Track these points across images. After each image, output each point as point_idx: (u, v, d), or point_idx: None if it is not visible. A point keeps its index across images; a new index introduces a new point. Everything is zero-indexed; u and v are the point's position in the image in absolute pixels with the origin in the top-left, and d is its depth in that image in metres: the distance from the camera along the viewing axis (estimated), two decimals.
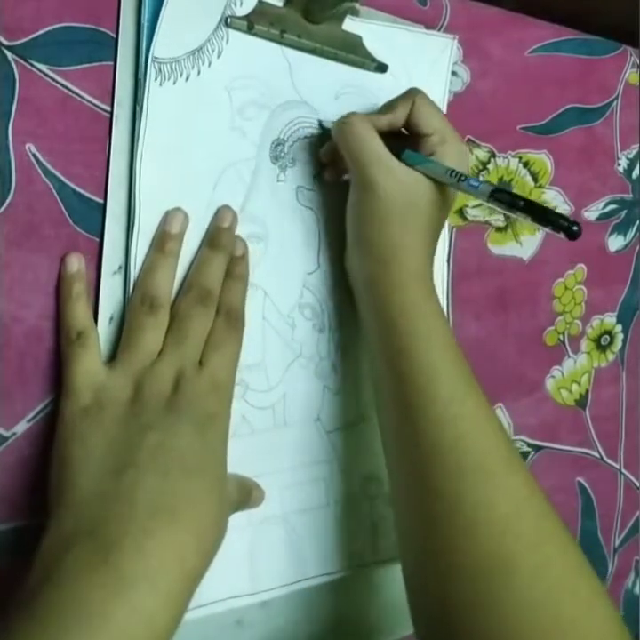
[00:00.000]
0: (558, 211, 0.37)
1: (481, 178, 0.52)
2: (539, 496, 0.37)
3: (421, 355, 0.39)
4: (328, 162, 0.44)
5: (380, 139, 0.40)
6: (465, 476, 0.36)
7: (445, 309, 0.50)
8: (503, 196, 0.38)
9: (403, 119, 0.41)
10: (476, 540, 0.35)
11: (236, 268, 0.40)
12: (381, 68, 0.46)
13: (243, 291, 0.40)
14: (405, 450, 0.39)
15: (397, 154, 0.40)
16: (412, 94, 0.41)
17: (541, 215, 0.36)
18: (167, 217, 0.38)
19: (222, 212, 0.40)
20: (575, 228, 0.35)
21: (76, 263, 0.36)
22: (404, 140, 0.42)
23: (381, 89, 0.46)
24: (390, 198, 0.39)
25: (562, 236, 0.35)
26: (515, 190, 0.54)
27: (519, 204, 0.37)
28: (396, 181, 0.39)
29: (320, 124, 0.44)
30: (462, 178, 0.39)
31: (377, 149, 0.40)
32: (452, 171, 0.40)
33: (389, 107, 0.42)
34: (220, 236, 0.40)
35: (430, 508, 0.37)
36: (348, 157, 0.41)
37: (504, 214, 0.53)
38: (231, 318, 0.38)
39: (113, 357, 0.37)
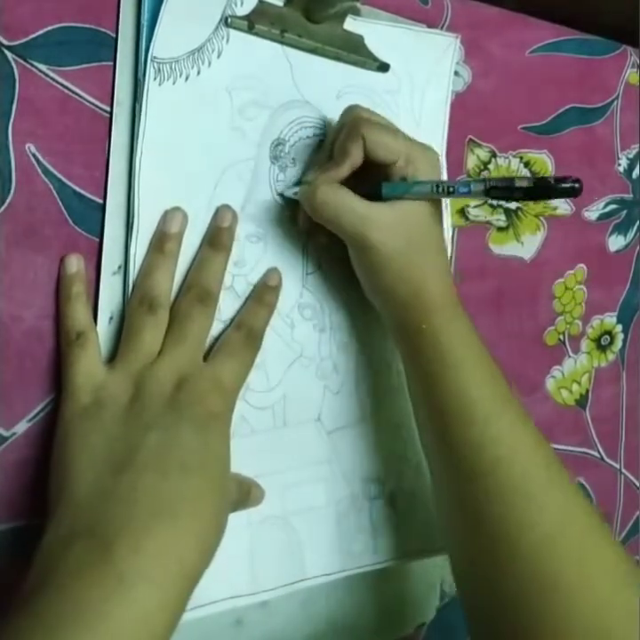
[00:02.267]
0: (556, 196, 0.37)
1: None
2: (583, 509, 0.37)
3: (454, 380, 0.39)
4: (309, 230, 0.43)
5: (350, 193, 0.38)
6: (505, 498, 0.37)
7: None
8: (497, 191, 0.37)
9: (361, 156, 0.39)
10: (520, 562, 0.36)
11: (265, 297, 0.41)
12: (383, 67, 0.46)
13: (268, 317, 0.41)
14: (447, 472, 0.40)
15: (375, 196, 0.39)
16: (357, 127, 0.39)
17: (542, 192, 0.36)
18: (166, 217, 0.38)
19: (222, 211, 0.40)
20: (577, 185, 0.35)
21: (75, 264, 0.36)
22: (369, 171, 0.40)
23: (383, 88, 0.46)
24: (388, 246, 0.39)
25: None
26: None
27: (516, 194, 0.36)
28: (387, 229, 0.39)
29: (282, 196, 0.43)
30: (451, 189, 0.39)
31: (354, 209, 0.38)
32: (438, 185, 0.39)
33: (343, 150, 0.39)
34: (219, 235, 0.40)
35: (475, 534, 0.38)
36: (331, 228, 0.40)
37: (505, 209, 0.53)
38: (251, 336, 0.39)
39: (113, 357, 0.37)
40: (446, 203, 0.49)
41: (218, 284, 0.39)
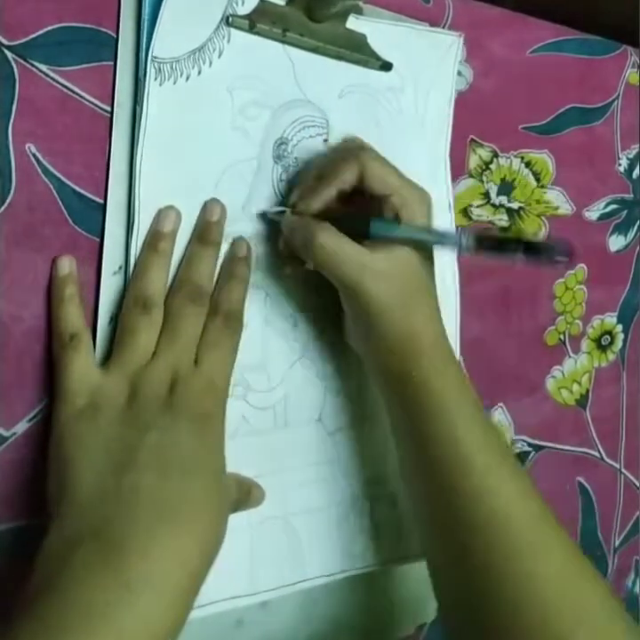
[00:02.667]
0: (551, 239, 0.36)
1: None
2: (578, 562, 0.37)
3: (448, 428, 0.38)
4: (288, 256, 0.41)
5: (346, 238, 0.37)
6: (501, 554, 0.37)
7: (457, 309, 0.50)
8: (490, 243, 0.36)
9: (352, 181, 0.38)
10: (521, 617, 0.36)
11: (237, 269, 0.40)
12: (386, 66, 0.46)
13: (242, 292, 0.40)
14: (442, 520, 0.39)
15: (363, 231, 0.38)
16: (356, 153, 0.38)
17: (534, 252, 0.35)
18: (160, 216, 0.38)
19: (210, 205, 0.40)
20: (567, 258, 0.34)
21: (67, 265, 0.36)
22: (358, 203, 0.39)
23: (386, 87, 0.46)
24: (383, 295, 0.38)
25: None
26: (517, 191, 0.54)
27: (509, 246, 0.35)
28: (380, 275, 0.38)
29: (264, 214, 0.42)
30: (443, 238, 0.38)
31: (350, 255, 0.37)
32: (430, 231, 0.38)
33: (334, 170, 0.39)
34: (208, 230, 0.39)
35: (468, 583, 0.38)
36: (322, 271, 0.39)
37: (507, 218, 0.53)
38: (229, 320, 0.38)
39: None
40: (451, 202, 0.49)
41: (209, 280, 0.39)
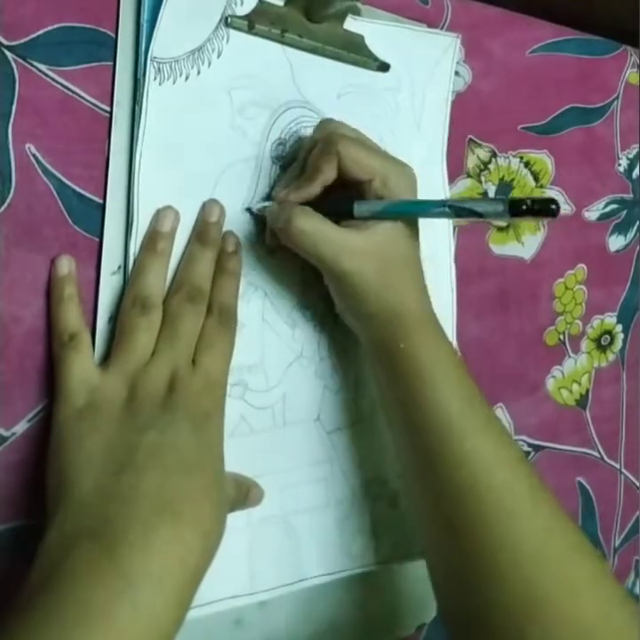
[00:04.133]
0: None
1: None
2: (564, 526, 0.37)
3: (432, 396, 0.38)
4: (276, 248, 0.42)
5: (326, 220, 0.38)
6: (486, 516, 0.36)
7: (453, 310, 0.50)
8: (466, 209, 0.36)
9: (333, 174, 0.39)
10: (503, 583, 0.35)
11: (227, 264, 0.40)
12: (384, 67, 0.46)
13: (235, 287, 0.40)
14: (427, 489, 0.39)
15: (347, 213, 0.38)
16: (332, 143, 0.38)
17: (519, 210, 0.34)
18: (158, 215, 0.38)
19: (209, 206, 0.40)
20: (553, 206, 0.34)
21: (66, 265, 0.36)
22: (345, 188, 0.39)
23: (384, 88, 0.46)
24: (365, 275, 0.38)
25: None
26: (516, 191, 0.54)
27: (496, 208, 0.35)
28: (362, 256, 0.38)
29: (249, 211, 0.42)
30: (424, 209, 0.38)
31: (330, 239, 0.38)
32: (413, 202, 0.38)
33: (315, 167, 0.39)
34: (207, 230, 0.39)
35: (456, 552, 0.37)
36: (304, 256, 0.39)
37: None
38: (223, 316, 0.38)
39: None
40: None
41: (207, 281, 0.39)
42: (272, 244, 0.42)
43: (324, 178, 0.39)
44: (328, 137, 0.39)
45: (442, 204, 0.38)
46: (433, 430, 0.38)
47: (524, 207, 0.34)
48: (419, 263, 0.41)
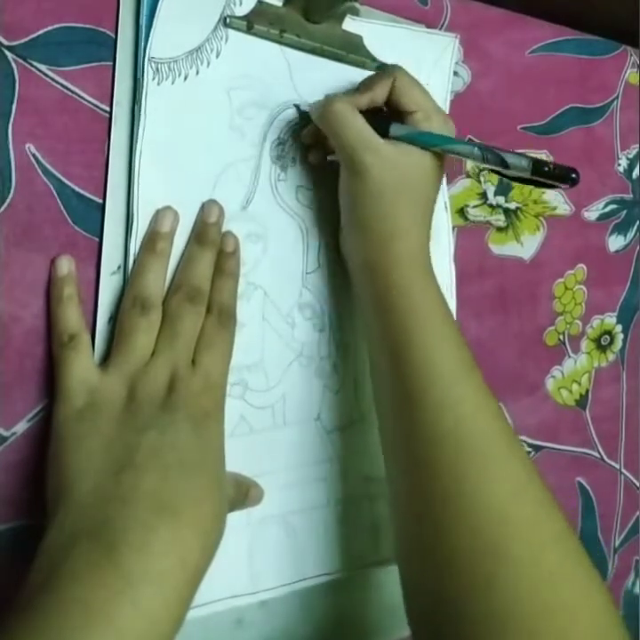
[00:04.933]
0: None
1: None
2: (537, 482, 0.37)
3: (420, 334, 0.38)
4: (311, 143, 0.43)
5: (363, 118, 0.39)
6: (464, 460, 0.36)
7: (453, 310, 0.50)
8: (495, 156, 0.38)
9: (383, 96, 0.40)
10: (472, 525, 0.35)
11: (226, 265, 0.40)
12: (382, 67, 0.46)
13: (234, 288, 0.40)
14: (406, 434, 0.38)
15: (382, 130, 0.39)
16: (392, 71, 0.41)
17: (541, 170, 0.37)
18: (157, 216, 0.38)
19: (208, 206, 0.40)
20: (574, 175, 0.35)
21: (66, 266, 0.36)
22: (387, 116, 0.41)
23: None
24: (380, 178, 0.39)
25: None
26: (516, 191, 0.54)
27: (521, 163, 0.37)
28: (384, 160, 0.39)
29: (297, 108, 0.43)
30: (456, 148, 0.39)
31: (361, 130, 0.39)
32: (441, 136, 0.40)
33: (368, 84, 0.41)
34: (207, 231, 0.39)
35: (427, 495, 0.36)
36: (333, 140, 0.40)
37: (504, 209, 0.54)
38: (222, 317, 0.38)
39: None
40: (446, 203, 0.49)
41: (207, 281, 0.39)
42: (306, 140, 0.43)
43: (373, 95, 0.40)
44: (392, 67, 0.41)
45: (473, 144, 0.40)
46: (419, 369, 0.38)
47: (546, 169, 0.36)
48: (431, 202, 0.42)
